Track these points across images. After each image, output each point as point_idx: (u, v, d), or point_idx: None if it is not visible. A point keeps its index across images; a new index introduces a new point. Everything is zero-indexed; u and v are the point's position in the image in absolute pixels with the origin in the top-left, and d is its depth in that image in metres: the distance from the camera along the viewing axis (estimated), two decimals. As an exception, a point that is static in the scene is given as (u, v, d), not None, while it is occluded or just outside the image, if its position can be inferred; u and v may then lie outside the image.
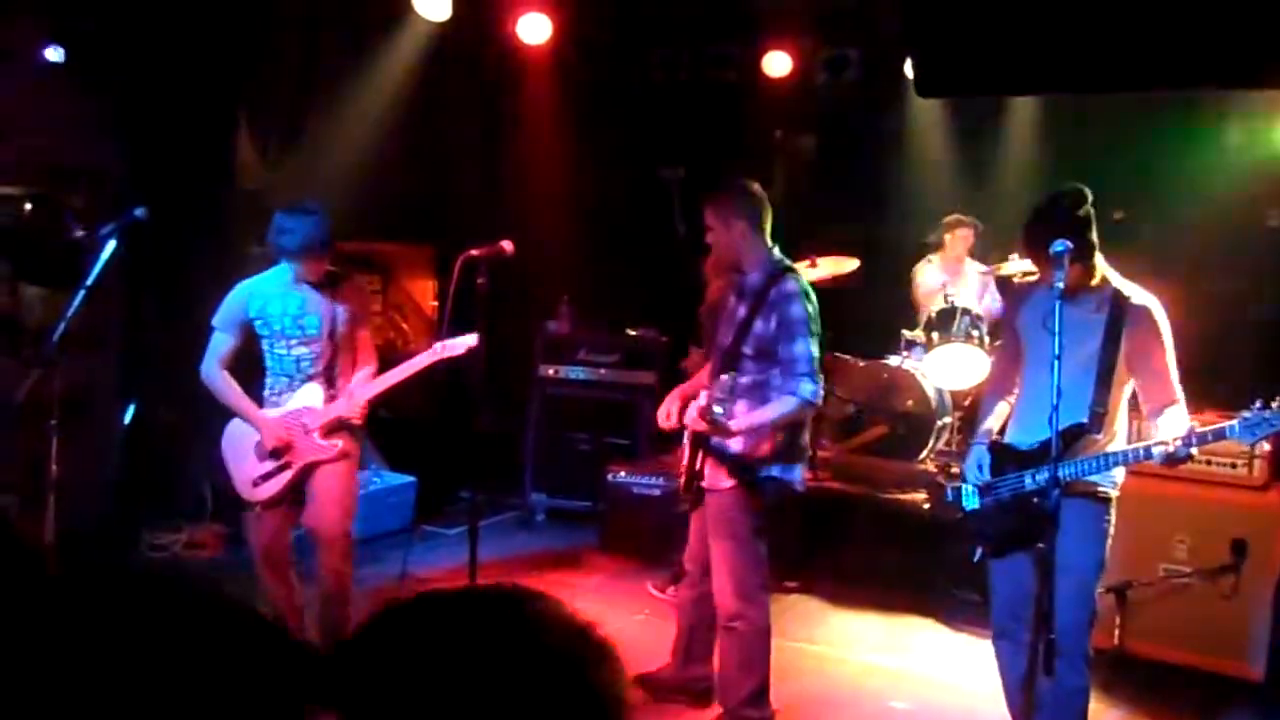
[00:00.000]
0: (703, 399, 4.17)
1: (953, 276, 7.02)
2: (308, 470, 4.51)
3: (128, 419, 6.09)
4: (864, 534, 6.29)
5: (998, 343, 5.14)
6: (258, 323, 4.47)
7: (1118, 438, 3.60)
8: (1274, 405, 3.18)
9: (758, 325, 4.06)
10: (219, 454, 4.66)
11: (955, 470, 4.00)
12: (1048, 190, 3.66)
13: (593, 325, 7.52)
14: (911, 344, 6.77)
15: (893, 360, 6.70)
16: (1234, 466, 4.85)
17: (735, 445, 4.08)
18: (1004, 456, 3.72)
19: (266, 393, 4.55)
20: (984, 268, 6.94)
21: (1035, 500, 3.45)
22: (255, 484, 4.52)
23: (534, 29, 6.88)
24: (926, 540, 5.77)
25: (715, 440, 4.10)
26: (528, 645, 1.04)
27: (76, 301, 4.24)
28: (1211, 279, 6.05)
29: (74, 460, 4.35)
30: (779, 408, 4.01)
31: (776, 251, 4.21)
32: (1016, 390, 3.86)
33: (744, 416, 4.04)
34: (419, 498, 6.93)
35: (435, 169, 7.38)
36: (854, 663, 5.14)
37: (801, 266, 4.60)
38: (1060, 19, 3.99)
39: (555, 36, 6.92)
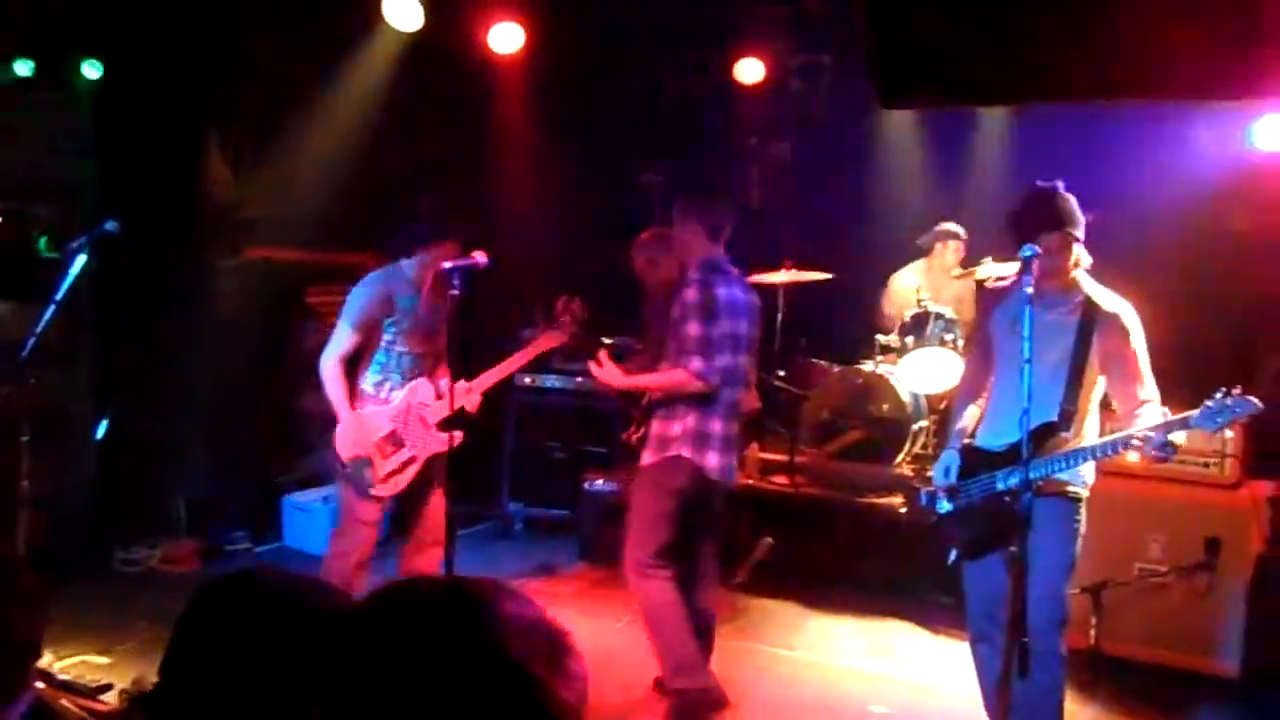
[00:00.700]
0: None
1: (938, 288, 7.04)
2: (428, 464, 4.64)
3: (100, 433, 6.04)
4: (841, 539, 6.31)
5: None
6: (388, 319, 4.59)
7: (1088, 437, 3.61)
8: (1234, 393, 3.22)
9: (675, 313, 4.29)
10: (331, 457, 4.69)
11: (930, 474, 4.02)
12: (1019, 193, 3.70)
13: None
14: (886, 349, 6.78)
15: (867, 366, 6.73)
16: (1206, 465, 4.90)
17: (655, 427, 4.35)
18: (975, 459, 3.74)
19: (370, 388, 4.62)
20: (958, 270, 6.95)
21: (1006, 500, 3.48)
22: (383, 480, 4.60)
23: (506, 38, 6.87)
24: (904, 544, 5.80)
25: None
26: (478, 654, 1.05)
27: (47, 316, 4.20)
28: (1179, 280, 6.10)
29: (46, 476, 4.31)
30: (665, 376, 4.30)
31: (719, 256, 4.39)
32: (987, 393, 3.89)
33: (637, 377, 4.47)
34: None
35: (408, 180, 7.35)
36: (833, 668, 5.15)
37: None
38: (1022, 31, 4.02)
39: (528, 45, 6.91)
